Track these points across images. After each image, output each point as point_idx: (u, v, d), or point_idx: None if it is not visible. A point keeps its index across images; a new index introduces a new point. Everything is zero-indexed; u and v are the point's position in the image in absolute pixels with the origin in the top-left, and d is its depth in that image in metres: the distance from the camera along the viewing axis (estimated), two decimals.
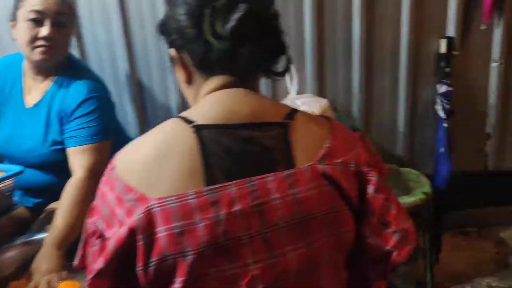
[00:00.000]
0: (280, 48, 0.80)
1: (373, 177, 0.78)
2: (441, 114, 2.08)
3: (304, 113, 0.80)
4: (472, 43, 2.08)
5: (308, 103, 1.95)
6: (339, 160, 0.76)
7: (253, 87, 0.80)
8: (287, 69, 0.82)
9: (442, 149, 2.10)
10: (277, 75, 0.82)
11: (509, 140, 2.24)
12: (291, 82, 2.03)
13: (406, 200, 1.87)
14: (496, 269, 2.14)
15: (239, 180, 0.71)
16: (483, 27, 2.00)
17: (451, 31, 2.04)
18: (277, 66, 0.81)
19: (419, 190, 1.93)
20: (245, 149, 0.73)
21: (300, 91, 2.06)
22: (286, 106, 0.81)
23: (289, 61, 0.82)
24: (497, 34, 2.05)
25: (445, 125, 2.08)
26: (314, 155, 0.75)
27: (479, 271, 2.14)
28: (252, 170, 0.72)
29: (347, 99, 2.16)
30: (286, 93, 2.05)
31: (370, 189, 0.78)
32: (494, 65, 2.10)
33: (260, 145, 0.74)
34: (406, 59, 2.08)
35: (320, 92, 2.12)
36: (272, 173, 0.72)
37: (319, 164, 0.75)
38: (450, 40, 2.04)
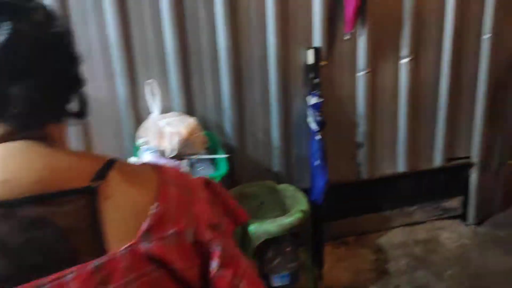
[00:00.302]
0: (71, 82, 0.58)
1: (217, 247, 0.61)
2: (314, 126, 2.02)
3: (122, 167, 0.59)
4: (339, 53, 2.05)
5: (174, 123, 1.74)
6: (171, 231, 0.57)
7: (44, 137, 0.57)
8: (84, 109, 0.61)
9: (317, 162, 2.05)
10: (72, 117, 0.60)
11: (379, 147, 2.27)
12: (153, 100, 1.80)
13: (284, 221, 1.77)
14: (376, 277, 2.15)
15: (20, 287, 0.48)
16: (346, 37, 1.99)
17: (317, 41, 1.99)
18: (70, 106, 0.59)
19: (297, 208, 1.84)
20: (29, 237, 0.50)
21: (165, 110, 1.84)
22: (97, 159, 0.59)
23: (84, 98, 0.60)
24: (362, 43, 2.05)
25: (318, 137, 2.03)
26: (135, 230, 0.55)
27: (361, 281, 2.13)
28: (42, 268, 0.50)
29: (218, 114, 2.00)
30: (149, 113, 1.82)
31: (214, 264, 0.60)
32: (360, 74, 2.11)
33: (53, 228, 0.51)
34: (275, 71, 1.98)
35: (188, 109, 1.93)
36: (72, 268, 0.51)
37: (142, 243, 0.55)
38: (317, 50, 1.99)
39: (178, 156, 1.66)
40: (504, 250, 2.28)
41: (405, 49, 2.11)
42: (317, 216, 2.10)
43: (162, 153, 1.65)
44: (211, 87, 1.96)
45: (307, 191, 2.09)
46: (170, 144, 1.65)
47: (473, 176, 2.45)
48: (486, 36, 2.18)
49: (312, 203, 2.06)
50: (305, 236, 1.97)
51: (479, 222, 2.51)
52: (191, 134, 1.72)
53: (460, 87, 2.27)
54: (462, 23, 2.13)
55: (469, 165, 2.44)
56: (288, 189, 2.00)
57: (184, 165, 1.66)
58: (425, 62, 2.17)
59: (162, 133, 1.69)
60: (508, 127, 2.43)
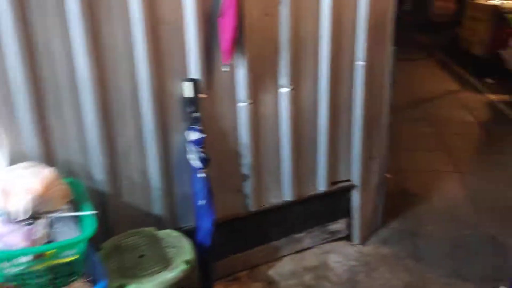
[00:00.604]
0: None
1: None
2: (196, 163, 1.87)
3: None
4: (218, 85, 1.93)
5: (26, 176, 1.45)
6: None
7: None
8: None
9: (202, 202, 1.90)
10: None
11: (265, 178, 2.20)
12: None
13: (166, 276, 1.58)
14: None
15: None
16: (225, 68, 1.87)
17: (194, 73, 1.85)
18: None
19: (181, 259, 1.67)
20: None
21: (16, 159, 1.54)
22: None
23: None
24: (241, 74, 1.95)
25: (202, 175, 1.88)
26: None
27: None
28: None
29: (84, 158, 1.74)
30: None
31: None
32: (242, 105, 2.01)
33: None
34: (149, 105, 1.79)
35: (47, 154, 1.65)
36: None
37: None
38: (194, 82, 1.85)
39: (32, 217, 1.38)
40: (388, 267, 2.36)
41: (284, 79, 2.06)
42: (205, 258, 1.95)
43: (9, 216, 1.35)
44: (74, 127, 1.70)
45: (193, 232, 1.94)
46: (20, 204, 1.36)
47: (355, 197, 2.51)
48: (360, 63, 2.24)
49: (199, 244, 1.92)
50: (193, 278, 1.81)
51: (364, 241, 2.58)
52: (48, 188, 1.44)
53: (338, 112, 2.30)
54: (337, 51, 2.15)
55: (351, 187, 2.49)
56: (171, 235, 1.81)
57: (39, 228, 1.38)
58: (304, 91, 2.16)
59: (9, 191, 1.39)
60: (383, 147, 2.54)
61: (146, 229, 1.83)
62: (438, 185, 3.30)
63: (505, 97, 5.40)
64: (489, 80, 6.12)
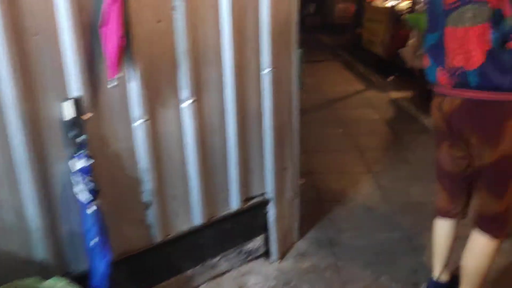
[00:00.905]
0: None
1: None
2: (84, 196, 1.59)
3: None
4: (107, 102, 1.67)
5: None
6: None
7: None
8: None
9: (94, 241, 1.62)
10: None
11: (171, 203, 1.97)
12: None
13: None
14: None
15: None
16: (112, 83, 1.61)
17: (76, 90, 1.56)
18: None
19: None
20: None
21: None
22: None
23: None
24: (134, 89, 1.71)
25: (92, 209, 1.61)
26: None
27: None
28: None
29: None
30: None
31: None
32: (137, 123, 1.76)
33: None
34: (20, 133, 1.47)
35: None
36: None
37: None
38: (76, 101, 1.57)
39: None
40: (309, 283, 2.25)
41: (185, 91, 1.85)
42: None
43: None
44: None
45: (87, 276, 1.66)
46: None
47: (271, 211, 2.37)
48: (266, 69, 2.10)
49: None
50: None
51: (283, 256, 2.45)
52: None
53: (247, 123, 2.14)
54: (241, 58, 1.99)
55: (266, 201, 2.35)
56: (56, 286, 1.51)
57: None
58: (209, 103, 1.96)
59: None
60: (296, 155, 2.43)
61: (25, 280, 1.51)
62: (352, 186, 3.30)
63: (407, 94, 5.67)
64: (391, 79, 6.42)
